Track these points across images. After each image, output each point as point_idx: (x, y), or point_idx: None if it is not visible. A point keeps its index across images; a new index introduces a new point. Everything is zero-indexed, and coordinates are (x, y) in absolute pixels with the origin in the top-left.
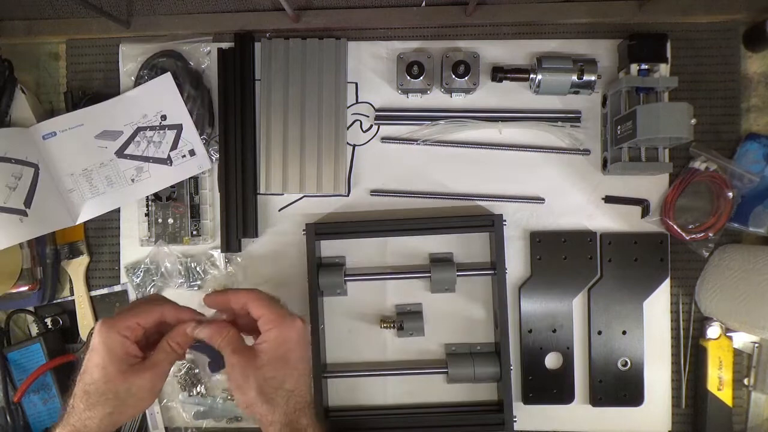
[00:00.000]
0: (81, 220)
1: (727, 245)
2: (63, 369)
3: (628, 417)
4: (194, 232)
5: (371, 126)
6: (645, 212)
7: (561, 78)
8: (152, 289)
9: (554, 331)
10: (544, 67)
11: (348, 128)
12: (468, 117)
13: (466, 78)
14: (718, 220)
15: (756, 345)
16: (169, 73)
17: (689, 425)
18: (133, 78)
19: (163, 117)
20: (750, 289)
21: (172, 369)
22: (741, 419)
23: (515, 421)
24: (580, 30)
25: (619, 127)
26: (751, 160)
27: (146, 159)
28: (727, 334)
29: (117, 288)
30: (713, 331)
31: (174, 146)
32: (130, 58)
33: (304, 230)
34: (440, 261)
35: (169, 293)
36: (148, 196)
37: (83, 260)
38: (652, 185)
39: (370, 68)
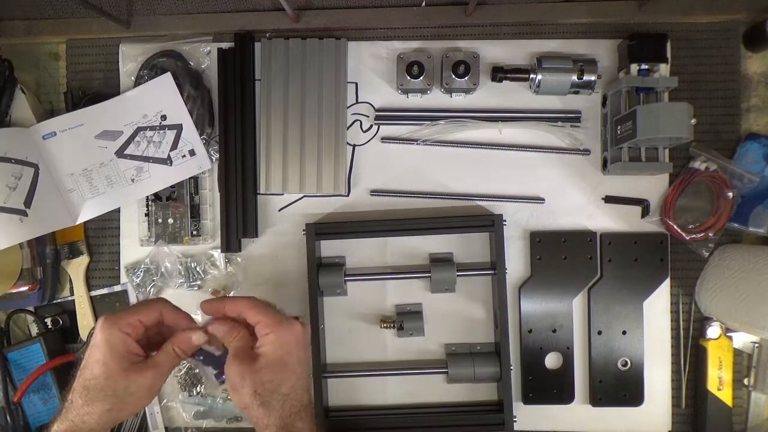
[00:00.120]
0: (81, 220)
1: (727, 245)
2: (63, 369)
3: (628, 417)
4: (194, 232)
5: (371, 126)
6: (645, 212)
7: (561, 78)
8: (152, 289)
9: (554, 331)
10: (544, 67)
11: (348, 128)
12: (468, 117)
13: (466, 78)
14: (718, 220)
15: (756, 345)
16: (169, 73)
17: (689, 425)
18: (133, 78)
19: (163, 117)
20: (750, 289)
21: None
22: (741, 419)
23: (515, 421)
24: (580, 30)
25: (619, 127)
26: (751, 160)
27: (146, 159)
28: (727, 334)
29: (117, 288)
30: (713, 331)
31: (174, 146)
32: (130, 58)
33: (304, 230)
34: (440, 261)
35: (169, 293)
36: (148, 196)
37: (83, 260)
38: (652, 185)
39: (370, 68)
